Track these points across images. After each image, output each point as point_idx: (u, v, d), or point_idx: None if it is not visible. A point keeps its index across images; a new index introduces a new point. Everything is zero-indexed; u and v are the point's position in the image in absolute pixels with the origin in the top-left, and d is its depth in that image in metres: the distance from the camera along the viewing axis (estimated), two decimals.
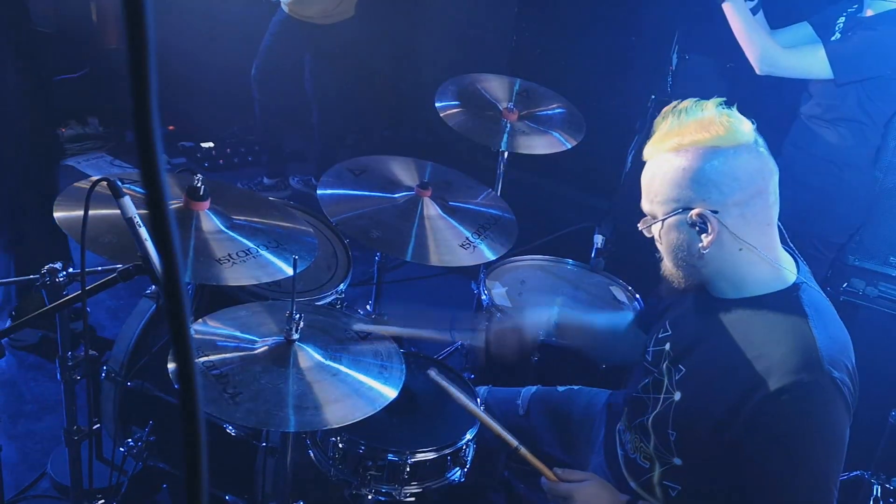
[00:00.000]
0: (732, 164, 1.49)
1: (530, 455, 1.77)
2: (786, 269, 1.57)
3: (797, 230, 2.78)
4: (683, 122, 1.53)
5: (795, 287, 1.55)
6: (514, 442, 1.78)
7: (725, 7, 2.66)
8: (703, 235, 1.52)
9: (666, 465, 1.67)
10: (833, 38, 2.69)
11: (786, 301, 1.54)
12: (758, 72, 2.69)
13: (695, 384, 1.61)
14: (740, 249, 1.53)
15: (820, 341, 1.46)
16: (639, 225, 1.65)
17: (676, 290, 1.66)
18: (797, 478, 1.47)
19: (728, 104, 1.55)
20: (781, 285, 1.56)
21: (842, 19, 2.70)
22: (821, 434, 1.47)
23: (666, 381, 1.68)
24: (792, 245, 1.67)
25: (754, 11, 2.69)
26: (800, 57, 2.63)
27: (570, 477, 1.74)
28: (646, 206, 1.61)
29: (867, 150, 2.72)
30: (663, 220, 1.56)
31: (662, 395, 1.68)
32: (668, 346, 1.71)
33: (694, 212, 1.51)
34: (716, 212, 1.50)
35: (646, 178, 1.59)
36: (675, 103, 1.57)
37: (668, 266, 1.64)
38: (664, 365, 1.69)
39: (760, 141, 1.54)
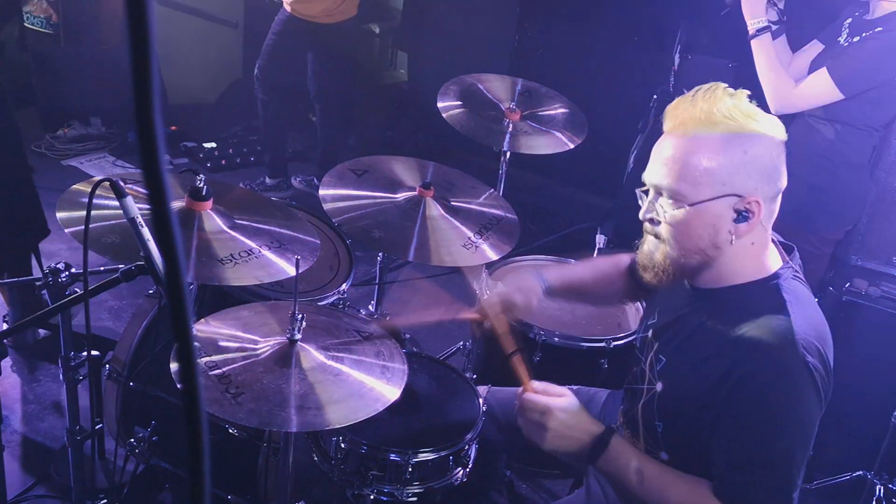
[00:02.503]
0: (782, 159, 1.51)
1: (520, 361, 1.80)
2: (769, 259, 1.58)
3: (793, 226, 2.81)
4: (734, 107, 1.47)
5: (776, 276, 1.56)
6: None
7: (754, 44, 2.67)
8: (741, 224, 1.50)
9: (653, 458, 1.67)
10: (839, 40, 2.69)
11: (765, 289, 1.55)
12: (773, 112, 2.65)
13: (675, 374, 1.62)
14: (752, 243, 1.54)
15: (796, 325, 1.47)
16: (646, 210, 1.57)
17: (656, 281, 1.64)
18: (760, 455, 1.48)
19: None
20: (763, 274, 1.56)
21: (848, 21, 2.71)
22: (787, 414, 1.48)
23: (648, 372, 1.69)
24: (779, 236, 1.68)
25: (776, 35, 2.68)
26: (809, 89, 2.63)
27: (549, 390, 1.72)
28: (670, 184, 1.51)
29: (864, 148, 2.73)
30: (700, 203, 1.49)
31: (646, 386, 1.69)
32: (650, 333, 1.73)
33: (752, 198, 1.48)
34: (762, 202, 1.50)
35: (681, 154, 1.49)
36: (709, 86, 1.51)
37: (665, 253, 1.57)
38: (650, 355, 1.70)
39: None
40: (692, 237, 1.52)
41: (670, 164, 1.51)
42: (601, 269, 2.04)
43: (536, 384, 1.74)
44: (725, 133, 1.47)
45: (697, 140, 1.48)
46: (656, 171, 1.54)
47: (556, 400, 1.68)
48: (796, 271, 1.62)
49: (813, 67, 2.71)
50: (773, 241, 1.61)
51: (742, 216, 1.49)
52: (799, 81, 2.67)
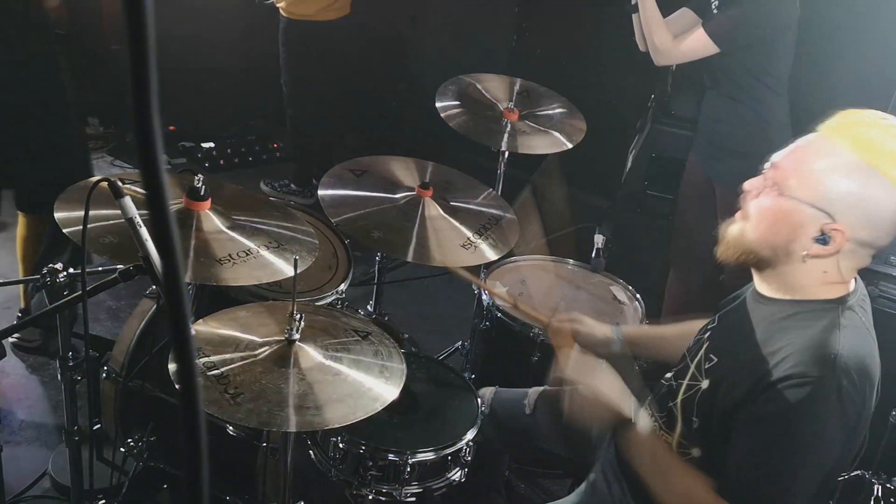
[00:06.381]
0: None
1: (527, 307, 1.93)
2: (838, 285, 1.54)
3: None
4: (893, 143, 1.45)
5: (840, 301, 1.53)
6: (510, 300, 1.96)
7: (641, 3, 2.87)
8: (816, 246, 1.48)
9: (684, 456, 1.67)
10: (712, 8, 2.91)
11: (827, 311, 1.52)
12: (655, 63, 2.96)
13: (722, 374, 1.61)
14: (825, 272, 1.51)
15: (842, 350, 1.45)
16: (750, 182, 1.58)
17: (725, 263, 1.64)
18: (768, 463, 1.47)
19: None
20: (832, 295, 1.53)
21: None
22: (806, 431, 1.45)
23: (694, 368, 1.68)
24: None
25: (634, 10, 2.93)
26: (686, 42, 2.85)
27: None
28: (787, 166, 1.52)
29: (784, 104, 2.91)
30: (795, 200, 1.48)
31: (688, 382, 1.68)
32: (706, 335, 1.72)
33: (838, 228, 1.45)
34: (848, 240, 1.47)
35: (813, 151, 1.50)
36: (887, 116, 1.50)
37: (742, 231, 1.58)
38: (699, 353, 1.69)
39: None
40: (773, 227, 1.52)
41: (800, 151, 1.52)
42: (686, 324, 2.01)
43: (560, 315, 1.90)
44: (863, 161, 1.45)
45: (837, 149, 1.47)
46: (787, 152, 1.55)
47: (578, 361, 1.79)
48: (861, 300, 1.58)
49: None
50: None
51: (822, 238, 1.47)
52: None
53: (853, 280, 1.58)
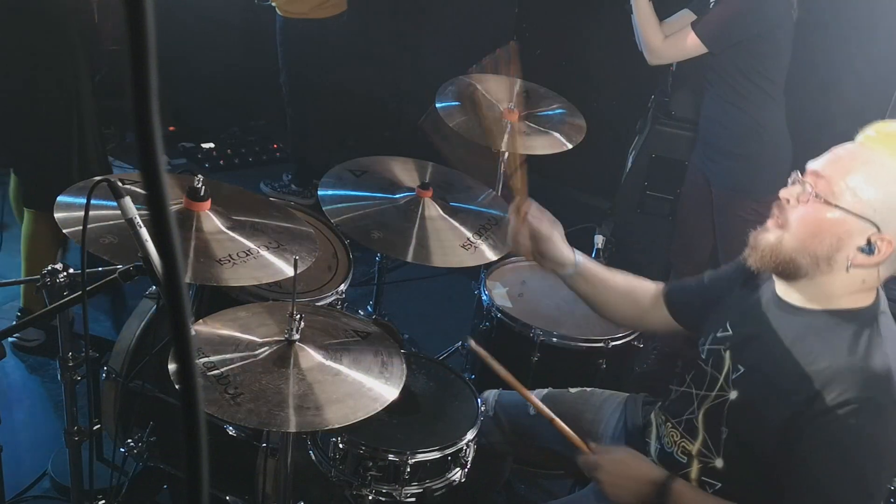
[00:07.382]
0: None
1: (566, 427, 1.82)
2: (869, 293, 1.54)
3: (734, 197, 2.95)
4: None
5: (872, 310, 1.52)
6: (549, 413, 1.84)
7: (636, 4, 2.89)
8: (861, 255, 1.46)
9: (706, 465, 1.66)
10: (710, 6, 2.93)
11: (866, 320, 1.51)
12: (649, 62, 2.97)
13: (756, 385, 1.58)
14: (863, 281, 1.50)
15: (892, 364, 1.45)
16: (787, 190, 1.55)
17: (741, 273, 1.64)
18: (839, 487, 1.46)
19: None
20: (864, 303, 1.53)
21: None
22: (874, 452, 1.45)
23: (721, 378, 1.65)
24: None
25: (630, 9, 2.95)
26: (675, 41, 2.87)
27: (604, 448, 1.77)
28: (831, 176, 1.48)
29: (779, 106, 2.90)
30: (841, 210, 1.46)
31: (714, 392, 1.65)
32: (726, 345, 1.68)
33: (885, 238, 1.44)
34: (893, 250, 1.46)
35: (859, 162, 1.47)
36: None
37: (780, 239, 1.54)
38: (722, 363, 1.66)
39: None
40: (817, 236, 1.49)
41: (843, 160, 1.49)
42: (632, 282, 1.99)
43: (593, 445, 1.78)
44: None
45: (881, 159, 1.46)
46: (827, 161, 1.52)
47: (604, 455, 1.73)
48: (886, 303, 1.58)
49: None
50: None
51: (868, 248, 1.45)
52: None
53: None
